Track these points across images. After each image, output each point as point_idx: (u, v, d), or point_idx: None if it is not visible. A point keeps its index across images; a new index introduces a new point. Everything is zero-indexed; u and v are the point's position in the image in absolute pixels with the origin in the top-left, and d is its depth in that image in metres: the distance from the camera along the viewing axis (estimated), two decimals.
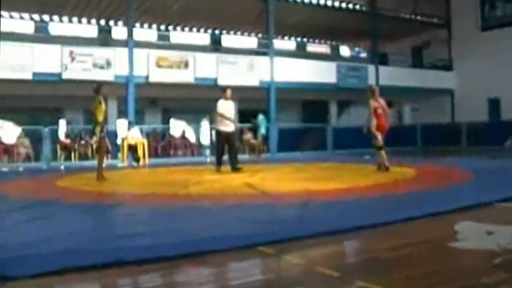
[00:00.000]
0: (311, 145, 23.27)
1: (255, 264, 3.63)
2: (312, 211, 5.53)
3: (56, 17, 24.23)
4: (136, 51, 20.13)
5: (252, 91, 22.25)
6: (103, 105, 10.17)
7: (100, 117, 10.08)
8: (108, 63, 19.35)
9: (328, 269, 3.19)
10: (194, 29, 28.01)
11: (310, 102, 29.22)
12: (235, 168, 11.44)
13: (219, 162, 11.76)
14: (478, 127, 25.02)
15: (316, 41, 31.66)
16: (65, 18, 24.50)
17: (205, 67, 21.15)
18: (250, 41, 27.69)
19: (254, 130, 21.45)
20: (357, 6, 27.04)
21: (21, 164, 17.67)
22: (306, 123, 26.98)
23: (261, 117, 21.12)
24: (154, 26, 26.71)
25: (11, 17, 23.28)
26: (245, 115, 22.66)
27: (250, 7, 24.09)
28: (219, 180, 9.26)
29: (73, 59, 18.77)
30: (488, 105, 26.55)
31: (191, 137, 22.44)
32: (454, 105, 28.65)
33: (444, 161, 14.61)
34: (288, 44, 29.69)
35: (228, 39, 27.56)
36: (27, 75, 18.05)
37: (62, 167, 16.77)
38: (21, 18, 23.54)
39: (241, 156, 13.90)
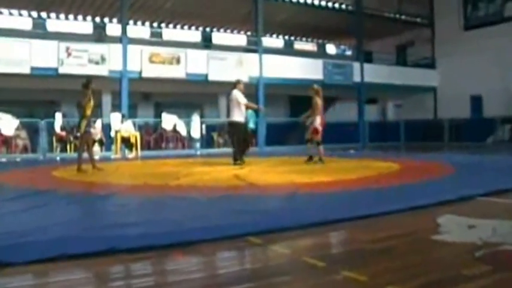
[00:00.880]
0: (297, 139, 23.29)
1: (243, 253, 3.62)
2: (298, 203, 5.52)
3: (53, 14, 24.11)
4: (130, 48, 20.12)
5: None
6: (92, 101, 10.11)
7: (88, 112, 10.05)
8: (103, 59, 19.32)
9: (314, 259, 3.18)
10: (186, 27, 27.99)
11: (297, 98, 29.22)
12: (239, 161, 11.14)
13: (243, 154, 11.40)
14: (460, 123, 25.19)
15: (304, 39, 31.64)
16: (62, 16, 24.41)
17: (196, 63, 21.15)
18: (240, 39, 27.62)
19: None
20: (343, 6, 27.09)
21: (19, 155, 17.62)
22: (293, 118, 27.00)
23: (250, 112, 21.05)
24: (147, 24, 26.67)
25: (10, 13, 23.18)
26: None
27: (239, 6, 24.14)
28: (208, 173, 9.23)
29: (69, 54, 18.78)
30: (471, 102, 26.67)
31: (182, 131, 22.45)
32: (436, 102, 28.78)
33: (427, 156, 14.66)
34: (276, 41, 29.62)
35: (218, 37, 27.45)
36: (25, 70, 18.04)
37: (58, 158, 16.72)
38: (20, 15, 23.40)
39: (229, 150, 13.90)
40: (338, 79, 25.04)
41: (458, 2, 27.59)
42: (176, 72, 20.71)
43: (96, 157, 11.05)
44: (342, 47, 32.54)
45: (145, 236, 3.75)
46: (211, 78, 21.39)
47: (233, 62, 22.03)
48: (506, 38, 24.30)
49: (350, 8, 27.10)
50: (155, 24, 26.95)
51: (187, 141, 22.57)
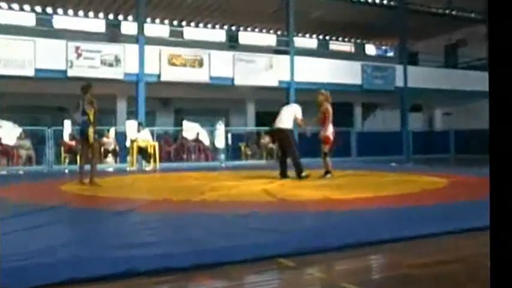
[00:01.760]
0: (333, 151, 23.20)
1: (274, 277, 3.61)
2: (334, 221, 5.53)
3: (60, 10, 24.31)
4: (148, 48, 20.22)
5: (270, 92, 22.28)
6: (95, 106, 10.23)
7: (92, 118, 10.16)
8: (117, 61, 19.45)
9: (353, 285, 3.17)
10: (209, 25, 28.04)
11: (333, 105, 29.07)
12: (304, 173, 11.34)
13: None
14: None
15: (340, 38, 31.58)
16: (70, 12, 24.56)
17: (221, 66, 21.20)
18: (269, 38, 27.71)
19: (272, 134, 21.42)
20: (384, 1, 26.85)
21: (22, 167, 17.79)
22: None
23: None
24: (166, 21, 26.82)
25: (9, 8, 23.28)
26: (262, 118, 22.66)
27: (269, 1, 24.08)
28: (236, 187, 9.31)
29: (79, 55, 18.87)
30: None
31: (205, 140, 22.46)
32: None
33: (481, 171, 14.35)
34: (309, 42, 29.64)
35: (246, 36, 27.59)
36: (29, 72, 18.09)
37: (66, 171, 16.90)
38: (22, 10, 23.54)
39: (258, 162, 13.94)
40: (378, 84, 24.92)
41: None
42: (199, 75, 20.80)
43: (110, 169, 11.15)
44: (383, 47, 32.44)
45: (166, 257, 3.76)
46: (237, 82, 21.44)
47: (262, 64, 22.08)
48: None
49: (392, 3, 26.86)
50: (175, 22, 27.10)
51: (211, 153, 22.61)
